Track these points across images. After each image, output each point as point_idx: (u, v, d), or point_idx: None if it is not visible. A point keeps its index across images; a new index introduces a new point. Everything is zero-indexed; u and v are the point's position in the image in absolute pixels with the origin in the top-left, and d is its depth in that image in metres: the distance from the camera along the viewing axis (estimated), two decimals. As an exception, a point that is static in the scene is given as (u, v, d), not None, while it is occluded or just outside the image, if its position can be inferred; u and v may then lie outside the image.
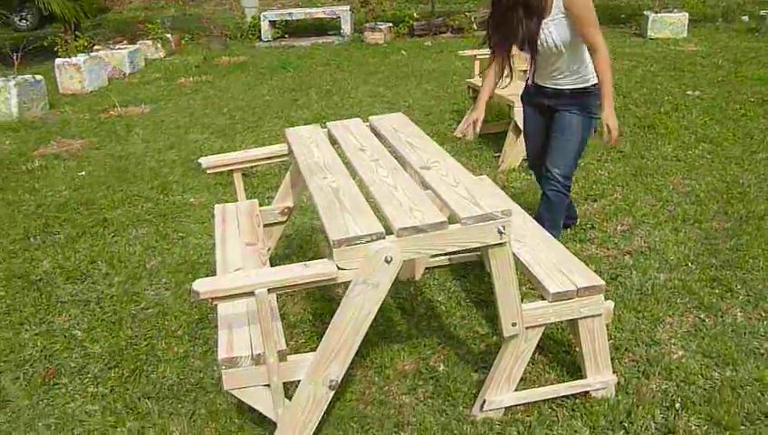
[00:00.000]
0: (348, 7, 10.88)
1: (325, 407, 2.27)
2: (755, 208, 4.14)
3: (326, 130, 3.28)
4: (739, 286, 3.33)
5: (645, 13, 9.83)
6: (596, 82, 3.27)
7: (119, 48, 9.05)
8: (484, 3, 11.72)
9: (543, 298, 2.48)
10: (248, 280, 2.11)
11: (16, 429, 2.59)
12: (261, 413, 2.32)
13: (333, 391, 2.25)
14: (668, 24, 9.55)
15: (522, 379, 2.69)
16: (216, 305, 2.60)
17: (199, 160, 3.32)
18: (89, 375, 2.88)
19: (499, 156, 5.20)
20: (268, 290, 2.08)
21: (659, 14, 9.61)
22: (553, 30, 3.14)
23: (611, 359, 2.79)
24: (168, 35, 10.19)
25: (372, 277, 2.11)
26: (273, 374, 2.18)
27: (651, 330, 3.02)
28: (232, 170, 3.33)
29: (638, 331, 3.02)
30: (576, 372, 2.72)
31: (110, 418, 2.61)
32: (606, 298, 3.14)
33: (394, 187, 2.44)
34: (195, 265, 3.78)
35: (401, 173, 2.59)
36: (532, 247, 2.77)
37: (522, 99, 3.66)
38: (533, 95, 3.52)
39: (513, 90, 5.21)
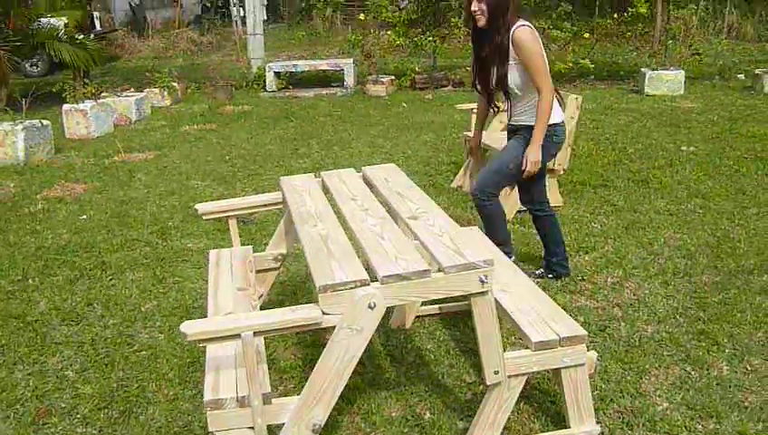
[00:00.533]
0: (351, 60, 11.13)
1: None
2: (745, 263, 4.19)
3: (320, 179, 3.37)
4: (726, 340, 3.36)
5: (642, 70, 10.04)
6: (556, 121, 3.72)
7: (125, 95, 9.24)
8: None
9: (527, 347, 2.53)
10: (235, 323, 2.17)
11: (4, 468, 2.62)
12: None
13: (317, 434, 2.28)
14: (665, 82, 9.74)
15: (506, 428, 2.72)
16: (204, 348, 2.64)
17: (196, 207, 3.40)
18: (78, 416, 2.91)
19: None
20: (254, 333, 2.13)
21: (656, 72, 9.82)
22: (509, 74, 3.63)
23: (596, 409, 2.83)
24: (175, 84, 10.41)
25: (356, 323, 2.16)
26: (258, 417, 2.22)
27: (637, 381, 3.05)
28: (228, 217, 3.41)
29: (624, 382, 3.05)
30: (560, 421, 2.75)
31: (97, 459, 2.64)
32: (592, 349, 3.20)
33: (381, 236, 2.51)
34: (189, 310, 3.83)
35: (389, 223, 2.67)
36: (518, 297, 2.82)
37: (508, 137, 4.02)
38: (509, 132, 3.98)
39: (502, 141, 5.36)
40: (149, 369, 3.25)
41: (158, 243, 4.83)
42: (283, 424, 2.26)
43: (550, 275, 4.06)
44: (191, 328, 2.13)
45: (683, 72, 9.86)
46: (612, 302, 3.80)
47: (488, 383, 2.45)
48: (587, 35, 10.63)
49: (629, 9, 10.08)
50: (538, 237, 4.21)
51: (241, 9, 12.58)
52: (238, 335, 2.13)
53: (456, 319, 3.63)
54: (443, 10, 10.64)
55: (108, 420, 2.87)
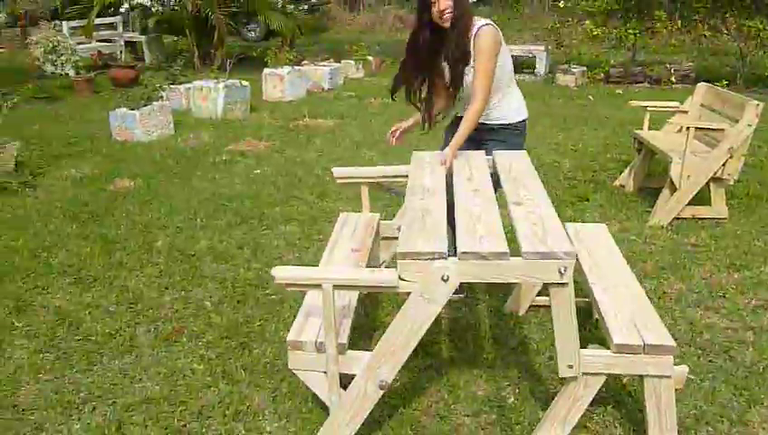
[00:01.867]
0: (543, 47, 10.95)
1: (373, 404, 2.47)
2: None
3: None
4: None
5: None
6: (520, 119, 3.50)
7: (322, 65, 9.86)
8: (689, 58, 11.22)
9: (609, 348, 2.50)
10: (318, 274, 2.38)
11: (134, 369, 3.07)
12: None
13: (383, 391, 2.44)
14: None
15: (586, 428, 2.73)
16: (304, 295, 2.89)
17: (332, 170, 3.66)
18: (204, 340, 3.31)
19: (650, 212, 5.06)
20: (333, 286, 2.33)
21: None
22: (470, 75, 3.31)
23: (688, 428, 2.74)
24: (370, 57, 10.89)
25: (428, 292, 2.28)
26: (331, 363, 2.42)
27: (744, 410, 2.87)
28: (360, 183, 3.63)
29: (729, 408, 2.88)
30: (643, 433, 2.68)
31: (208, 378, 3.00)
32: (709, 370, 3.07)
33: (479, 216, 2.59)
34: (323, 266, 4.13)
35: (493, 205, 2.73)
36: (619, 299, 2.76)
37: (446, 135, 3.63)
38: (454, 126, 3.51)
39: (671, 144, 5.10)
40: (273, 311, 3.59)
41: (314, 203, 5.21)
42: (354, 375, 2.45)
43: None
44: (280, 272, 2.37)
45: None
46: (748, 325, 3.55)
47: (560, 375, 2.46)
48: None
49: None
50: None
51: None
52: (319, 286, 2.33)
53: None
54: (647, 1, 10.09)
55: (227, 348, 3.24)
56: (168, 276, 3.96)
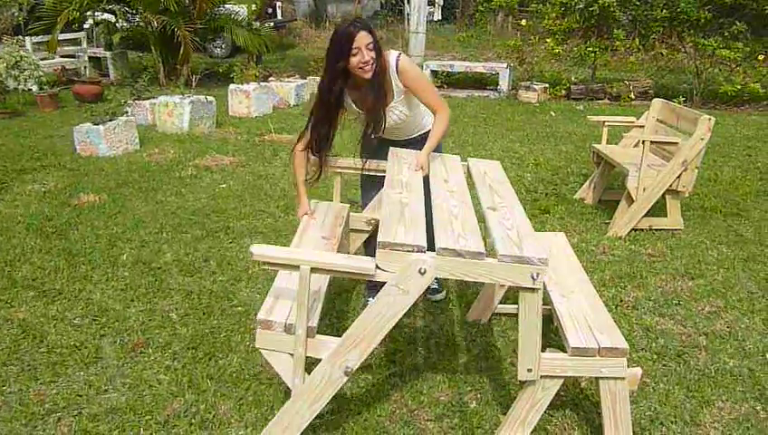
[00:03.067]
0: (506, 65, 11.16)
1: (336, 389, 2.50)
2: None
3: None
4: (813, 386, 3.18)
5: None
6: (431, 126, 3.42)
7: (288, 81, 9.92)
8: (647, 75, 11.54)
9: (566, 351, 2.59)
10: (296, 255, 2.44)
11: (99, 380, 3.07)
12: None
13: (347, 378, 2.49)
14: None
15: (545, 430, 2.81)
16: (274, 278, 2.94)
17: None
18: (170, 351, 3.33)
19: (609, 223, 5.20)
20: (311, 269, 2.38)
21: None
22: (399, 109, 3.33)
23: (643, 429, 2.84)
24: (336, 74, 10.97)
25: (404, 283, 2.34)
26: (299, 345, 2.47)
27: (696, 411, 2.98)
28: (336, 173, 3.66)
29: (682, 408, 2.99)
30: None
31: (173, 388, 3.02)
32: (663, 373, 3.18)
33: (455, 216, 2.65)
34: (289, 278, 4.17)
35: (468, 208, 2.78)
36: (576, 304, 2.86)
37: (361, 155, 3.61)
38: (380, 147, 3.50)
39: (628, 158, 5.26)
40: (239, 322, 3.62)
41: (280, 216, 5.25)
42: (320, 360, 2.49)
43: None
44: (259, 250, 2.41)
45: None
46: (701, 330, 3.68)
47: (519, 379, 2.54)
48: (761, 57, 9.92)
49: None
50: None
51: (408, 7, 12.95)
52: (297, 267, 2.38)
53: (532, 322, 3.69)
54: (606, 20, 10.37)
55: (192, 358, 3.26)
56: (134, 289, 3.96)
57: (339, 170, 3.68)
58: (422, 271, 2.33)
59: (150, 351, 3.33)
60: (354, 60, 3.03)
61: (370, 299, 3.77)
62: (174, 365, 3.21)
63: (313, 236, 3.23)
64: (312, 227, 3.35)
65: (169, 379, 3.09)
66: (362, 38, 3.01)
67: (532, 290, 2.38)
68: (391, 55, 3.22)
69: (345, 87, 3.17)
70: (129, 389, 3.02)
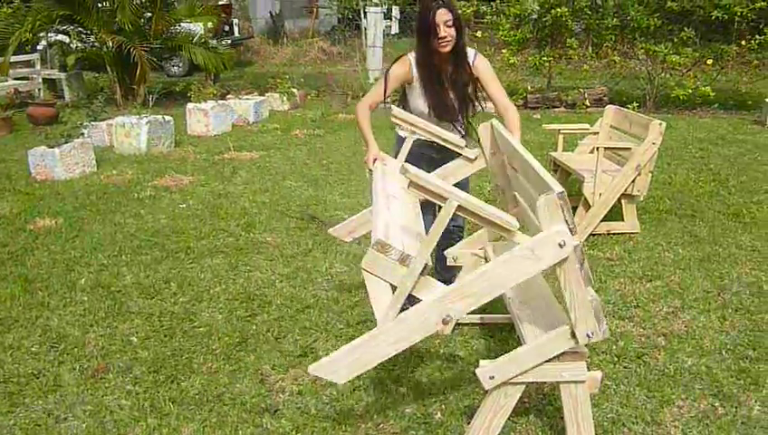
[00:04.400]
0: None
1: (425, 336, 2.41)
2: (816, 307, 4.00)
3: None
4: (768, 381, 3.26)
5: (766, 100, 9.53)
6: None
7: (246, 98, 9.89)
8: (601, 82, 11.77)
9: (528, 357, 2.61)
10: (449, 189, 2.37)
11: (59, 408, 3.01)
12: (261, 429, 2.58)
13: (443, 326, 2.39)
14: (791, 114, 9.20)
15: (510, 435, 2.82)
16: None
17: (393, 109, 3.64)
18: (131, 375, 3.28)
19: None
20: (458, 206, 2.33)
21: (782, 104, 9.29)
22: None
23: (605, 431, 2.87)
24: (294, 90, 10.99)
25: (540, 250, 2.28)
26: (410, 279, 2.38)
27: (657, 410, 3.03)
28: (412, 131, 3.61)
29: (643, 409, 3.04)
30: (564, 437, 2.80)
31: (135, 413, 2.97)
32: (624, 375, 3.23)
33: None
34: (251, 296, 4.15)
35: None
36: (532, 307, 2.89)
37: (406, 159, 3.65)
38: (420, 147, 3.68)
39: (584, 164, 5.35)
40: (201, 343, 3.58)
41: (241, 234, 5.22)
42: (418, 300, 2.41)
43: None
44: (411, 170, 2.35)
45: (813, 105, 9.28)
46: (660, 331, 3.75)
47: (485, 387, 2.56)
48: (710, 62, 10.20)
49: (757, 36, 9.60)
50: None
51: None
52: (445, 199, 2.33)
53: (494, 331, 3.73)
54: (560, 30, 10.56)
55: (154, 383, 3.22)
56: (93, 314, 3.90)
57: (409, 126, 3.63)
58: (561, 244, 2.27)
59: (111, 376, 3.27)
60: (440, 34, 3.33)
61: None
62: (135, 390, 3.16)
63: (394, 185, 3.17)
64: (390, 175, 3.28)
65: (131, 404, 3.05)
66: (441, 15, 3.33)
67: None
68: (470, 50, 3.53)
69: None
70: (90, 416, 2.96)
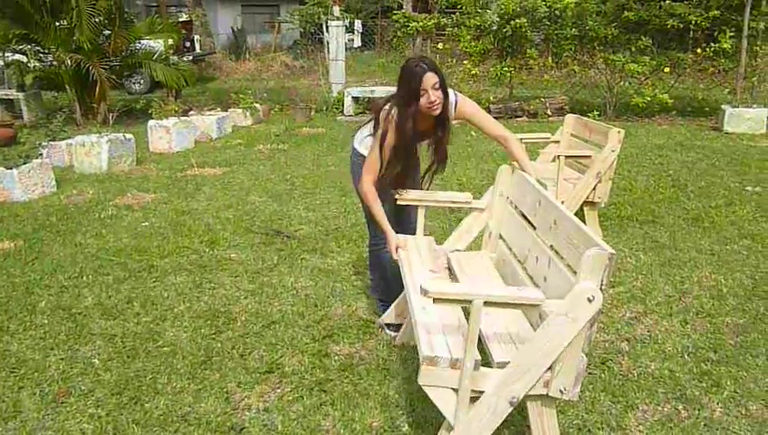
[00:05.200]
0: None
1: (501, 421, 2.48)
2: (774, 308, 4.08)
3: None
4: (729, 382, 3.31)
5: (723, 107, 9.76)
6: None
7: (209, 114, 9.83)
8: (562, 92, 11.94)
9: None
10: (470, 290, 2.41)
11: (19, 434, 2.95)
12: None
13: (512, 408, 2.47)
14: (746, 120, 9.44)
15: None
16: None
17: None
18: (93, 398, 3.21)
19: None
20: (484, 303, 2.36)
21: (737, 109, 9.52)
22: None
23: (571, 437, 2.88)
24: (257, 105, 10.95)
25: (574, 312, 2.34)
26: (466, 378, 2.43)
27: (622, 415, 3.07)
28: (420, 206, 3.67)
29: (608, 414, 3.07)
30: (531, 445, 2.81)
31: (97, 437, 2.92)
32: (588, 381, 3.26)
33: None
34: (216, 313, 4.10)
35: None
36: (496, 318, 2.90)
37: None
38: (383, 190, 3.60)
39: (546, 173, 5.41)
40: (166, 363, 3.53)
41: (204, 251, 5.17)
42: (482, 392, 2.46)
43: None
44: (432, 287, 2.38)
45: (766, 110, 9.52)
46: (623, 336, 3.80)
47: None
48: (667, 70, 10.42)
49: (712, 44, 9.84)
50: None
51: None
52: (470, 301, 2.36)
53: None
54: (520, 40, 10.71)
55: (117, 405, 3.16)
56: (53, 337, 3.82)
57: (419, 203, 3.69)
58: (590, 299, 2.33)
59: (73, 400, 3.21)
60: (422, 100, 3.23)
61: (388, 331, 3.84)
62: (98, 413, 3.10)
63: (423, 272, 3.25)
64: (416, 263, 3.36)
65: (93, 427, 2.99)
66: (429, 79, 3.20)
67: None
68: (450, 92, 3.41)
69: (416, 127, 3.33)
70: (50, 442, 2.90)
